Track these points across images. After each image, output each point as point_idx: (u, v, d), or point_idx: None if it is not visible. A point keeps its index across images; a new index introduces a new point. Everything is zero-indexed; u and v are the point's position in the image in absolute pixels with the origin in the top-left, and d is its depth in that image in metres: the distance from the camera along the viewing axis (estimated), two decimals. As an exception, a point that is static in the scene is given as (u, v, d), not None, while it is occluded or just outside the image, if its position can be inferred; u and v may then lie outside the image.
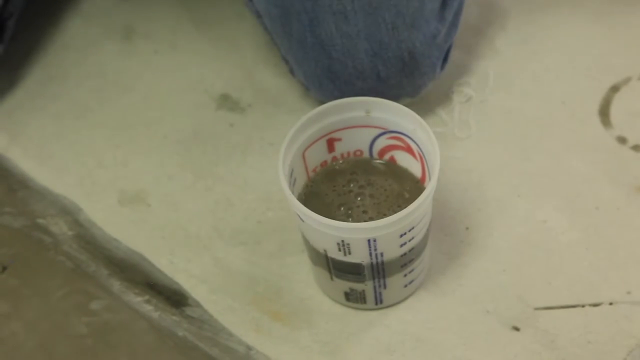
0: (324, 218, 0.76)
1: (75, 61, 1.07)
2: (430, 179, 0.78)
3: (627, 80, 0.97)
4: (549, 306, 0.84)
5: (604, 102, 0.96)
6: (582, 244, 0.87)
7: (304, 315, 0.86)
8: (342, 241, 0.77)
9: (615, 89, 0.97)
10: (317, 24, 0.88)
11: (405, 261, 0.81)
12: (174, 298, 0.88)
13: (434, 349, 0.83)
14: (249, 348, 0.84)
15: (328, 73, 0.91)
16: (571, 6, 1.03)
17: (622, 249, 0.86)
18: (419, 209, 0.77)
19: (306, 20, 0.88)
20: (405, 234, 0.78)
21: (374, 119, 0.83)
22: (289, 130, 0.81)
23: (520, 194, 0.90)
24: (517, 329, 0.83)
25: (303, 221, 0.78)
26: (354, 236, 0.77)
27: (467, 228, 0.89)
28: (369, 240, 0.77)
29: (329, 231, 0.77)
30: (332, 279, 0.83)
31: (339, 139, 0.85)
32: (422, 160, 0.83)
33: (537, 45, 1.01)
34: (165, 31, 1.07)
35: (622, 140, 0.93)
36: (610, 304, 0.83)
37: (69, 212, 0.95)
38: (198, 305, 0.88)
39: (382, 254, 0.79)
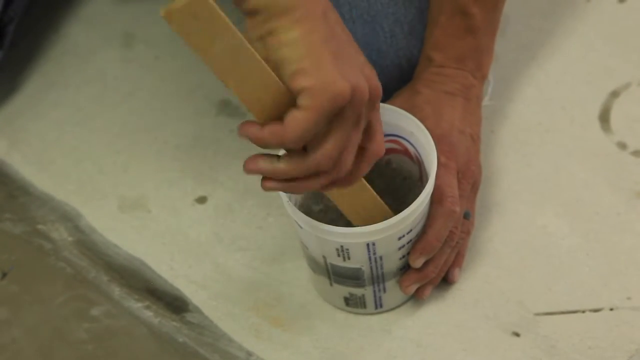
0: (322, 224, 0.76)
1: (75, 67, 1.07)
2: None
3: (627, 86, 0.97)
4: (550, 312, 0.84)
5: (604, 107, 0.96)
6: (582, 249, 0.87)
7: (305, 320, 0.86)
8: (341, 246, 0.77)
9: (615, 94, 0.97)
10: (316, 31, 0.88)
11: (404, 264, 0.81)
12: (174, 304, 0.88)
13: (435, 354, 0.83)
14: (250, 354, 0.84)
15: None
16: (570, 12, 1.03)
17: (623, 255, 0.86)
18: (416, 211, 0.77)
19: (305, 27, 0.88)
20: (403, 236, 0.78)
21: None
22: None
23: (521, 200, 0.90)
24: (517, 334, 0.83)
25: (301, 228, 0.78)
26: (353, 241, 0.77)
27: (467, 233, 0.89)
28: (368, 244, 0.77)
29: (327, 237, 0.77)
30: (331, 284, 0.83)
31: None
32: (420, 163, 0.82)
33: (537, 51, 1.01)
34: (165, 37, 1.07)
35: (622, 145, 0.93)
36: (611, 309, 0.83)
37: (69, 218, 0.95)
38: (198, 311, 0.88)
39: (381, 258, 0.79)
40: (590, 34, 1.01)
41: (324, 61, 0.62)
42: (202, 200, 0.95)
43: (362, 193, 0.77)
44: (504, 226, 0.89)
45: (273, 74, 0.64)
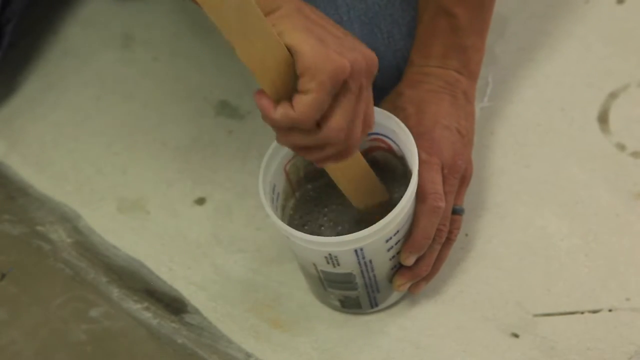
0: (308, 235, 0.76)
1: (74, 68, 1.07)
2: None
3: (625, 87, 0.97)
4: (548, 313, 0.84)
5: (602, 108, 0.96)
6: (581, 250, 0.87)
7: (303, 322, 0.86)
8: (330, 254, 0.77)
9: (614, 95, 0.97)
10: (314, 33, 0.88)
11: (395, 264, 0.81)
12: (173, 305, 0.88)
13: (433, 355, 0.83)
14: (248, 355, 0.84)
15: None
16: (569, 13, 1.03)
17: (622, 256, 0.86)
18: (400, 213, 0.76)
19: (303, 29, 0.88)
20: (390, 238, 0.78)
21: None
22: (268, 147, 0.80)
23: (520, 201, 0.90)
24: (516, 335, 0.83)
25: (289, 238, 0.78)
26: (341, 249, 0.77)
27: (466, 235, 0.89)
28: (356, 250, 0.77)
29: (314, 247, 0.77)
30: (325, 289, 0.83)
31: None
32: (404, 160, 0.82)
33: (536, 52, 1.01)
34: (164, 38, 1.07)
35: (621, 146, 0.93)
36: (610, 310, 0.83)
37: (68, 220, 0.95)
38: (197, 312, 0.88)
39: (371, 262, 0.78)
40: (589, 36, 1.01)
41: (314, 45, 0.66)
42: (201, 201, 0.95)
43: (361, 169, 0.79)
44: (503, 227, 0.89)
45: (276, 35, 0.66)
